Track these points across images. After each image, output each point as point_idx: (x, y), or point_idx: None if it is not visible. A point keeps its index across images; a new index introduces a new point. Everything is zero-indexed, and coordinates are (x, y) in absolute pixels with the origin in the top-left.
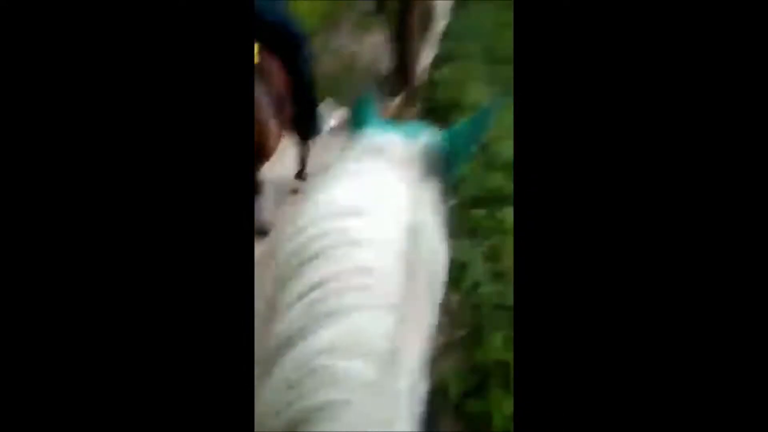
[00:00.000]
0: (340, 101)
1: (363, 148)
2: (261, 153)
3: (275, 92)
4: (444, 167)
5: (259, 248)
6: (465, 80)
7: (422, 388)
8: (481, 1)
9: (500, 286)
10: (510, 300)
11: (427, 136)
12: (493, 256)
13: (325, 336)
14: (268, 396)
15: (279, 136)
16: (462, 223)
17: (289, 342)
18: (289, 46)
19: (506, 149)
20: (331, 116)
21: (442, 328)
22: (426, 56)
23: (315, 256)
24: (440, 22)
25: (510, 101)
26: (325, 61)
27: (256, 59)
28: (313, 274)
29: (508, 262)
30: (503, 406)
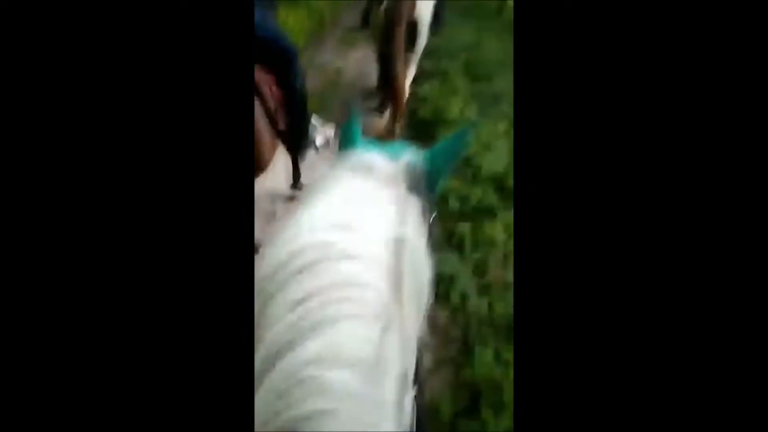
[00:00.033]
0: (326, 116)
1: (350, 166)
2: (257, 164)
3: (269, 105)
4: (426, 184)
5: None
6: (447, 96)
7: (410, 399)
8: (462, 17)
9: (488, 299)
10: (498, 313)
11: (409, 155)
12: (480, 268)
13: (312, 347)
14: (257, 406)
15: (274, 148)
16: (448, 237)
17: (277, 355)
18: (281, 60)
19: (488, 162)
20: (318, 132)
21: (431, 346)
22: (411, 72)
23: (302, 270)
24: (424, 39)
25: (485, 121)
26: (310, 77)
27: None
28: (300, 287)
29: (495, 274)
30: (495, 425)
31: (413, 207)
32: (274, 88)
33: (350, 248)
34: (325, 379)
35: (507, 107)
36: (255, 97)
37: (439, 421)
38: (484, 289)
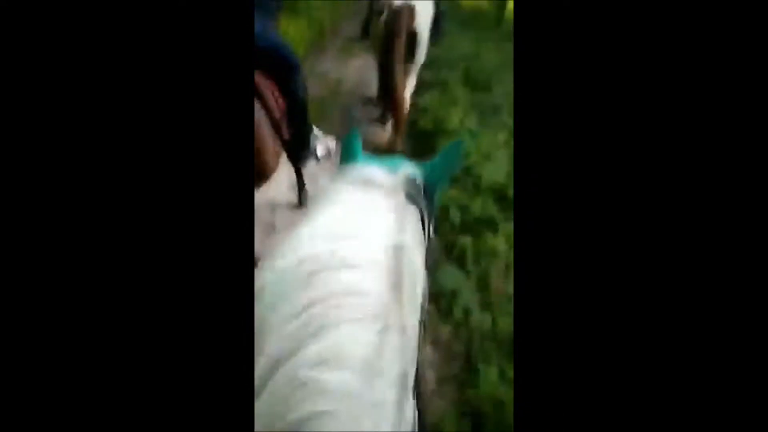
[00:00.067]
0: (326, 124)
1: (350, 179)
2: (261, 172)
3: (274, 114)
4: (424, 196)
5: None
6: (447, 106)
7: (411, 405)
8: (461, 27)
9: (491, 314)
10: (501, 328)
11: (407, 168)
12: (482, 282)
13: (312, 350)
14: (260, 410)
15: (278, 156)
16: (449, 250)
17: (278, 363)
18: (284, 70)
19: (488, 173)
20: (319, 143)
21: (434, 363)
22: (411, 83)
23: (303, 280)
24: (424, 50)
25: (485, 131)
26: (310, 86)
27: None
28: (301, 297)
29: (497, 286)
30: None
31: (412, 215)
32: (278, 97)
33: (350, 256)
34: (325, 381)
35: (507, 117)
36: (260, 106)
37: None
38: (486, 305)
